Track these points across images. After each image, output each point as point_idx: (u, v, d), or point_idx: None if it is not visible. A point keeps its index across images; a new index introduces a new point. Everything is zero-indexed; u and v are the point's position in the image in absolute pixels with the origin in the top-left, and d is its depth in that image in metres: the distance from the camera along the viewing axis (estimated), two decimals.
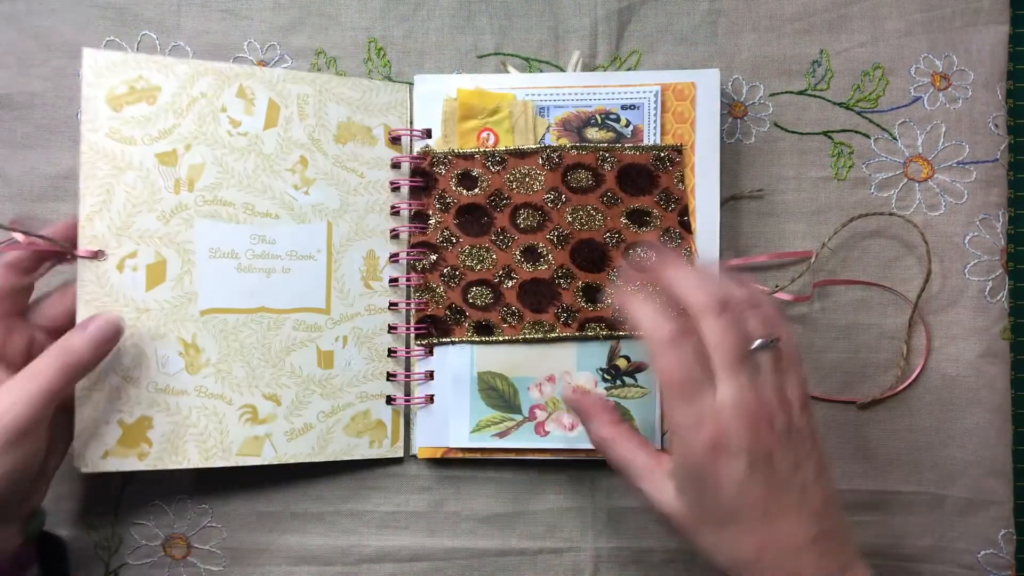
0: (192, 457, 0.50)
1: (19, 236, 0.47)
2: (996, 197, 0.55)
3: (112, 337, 0.46)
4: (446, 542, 0.55)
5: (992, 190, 0.55)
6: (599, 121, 0.53)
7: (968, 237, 0.55)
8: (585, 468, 0.55)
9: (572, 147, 0.53)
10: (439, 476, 0.55)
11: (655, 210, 0.53)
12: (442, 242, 0.53)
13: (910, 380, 0.54)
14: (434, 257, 0.53)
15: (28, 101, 0.55)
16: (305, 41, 0.55)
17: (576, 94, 0.53)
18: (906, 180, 0.55)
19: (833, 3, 0.55)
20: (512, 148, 0.53)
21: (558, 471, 0.55)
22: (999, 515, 0.54)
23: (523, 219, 0.53)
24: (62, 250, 0.48)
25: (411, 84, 0.55)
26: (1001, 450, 0.54)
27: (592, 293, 0.52)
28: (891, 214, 0.54)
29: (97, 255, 0.49)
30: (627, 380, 0.53)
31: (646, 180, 0.53)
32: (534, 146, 0.53)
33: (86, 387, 0.48)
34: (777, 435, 0.41)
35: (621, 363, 0.53)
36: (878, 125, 0.55)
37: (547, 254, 0.53)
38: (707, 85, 0.53)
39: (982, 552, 0.54)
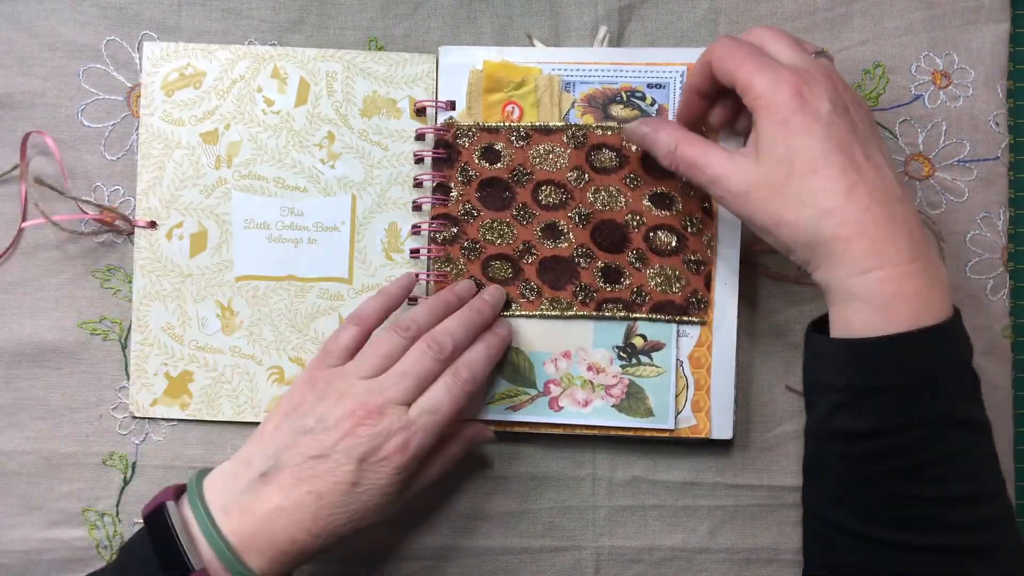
0: (226, 411, 0.54)
1: (91, 209, 0.54)
2: (997, 195, 0.55)
3: None
4: (447, 540, 0.55)
5: (993, 188, 0.55)
6: (624, 99, 0.53)
7: (969, 235, 0.55)
8: (599, 447, 0.55)
9: (597, 126, 0.53)
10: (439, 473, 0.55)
11: (677, 194, 0.52)
12: (463, 215, 0.53)
13: None
14: (455, 230, 0.53)
15: (28, 101, 0.55)
16: (305, 40, 0.55)
17: (602, 71, 0.53)
18: (907, 178, 0.55)
19: (834, 1, 0.55)
20: (537, 124, 0.53)
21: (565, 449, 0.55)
22: None
23: (545, 196, 0.53)
24: (122, 220, 0.54)
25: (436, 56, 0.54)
26: (1002, 449, 0.54)
27: (611, 274, 0.52)
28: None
29: (151, 225, 0.53)
30: (643, 359, 0.53)
31: None
32: (559, 123, 0.53)
33: (139, 341, 0.54)
34: (851, 96, 0.43)
35: (637, 341, 0.53)
36: (879, 123, 0.55)
37: (568, 232, 0.52)
38: None
39: None
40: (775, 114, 0.42)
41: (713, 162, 0.44)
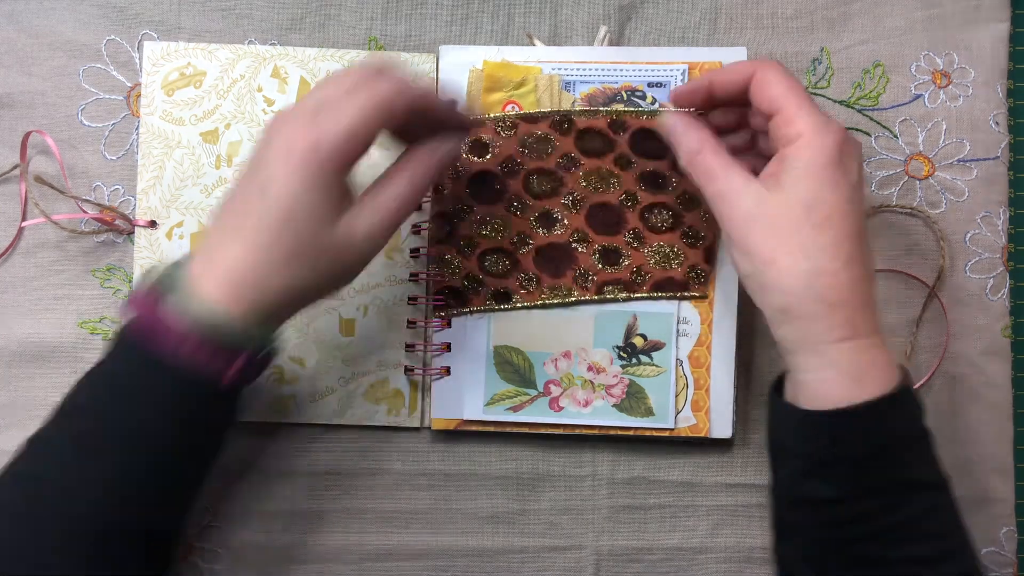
0: None
1: (92, 208, 0.54)
2: (997, 195, 0.55)
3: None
4: (447, 540, 0.55)
5: (993, 188, 0.55)
6: (625, 98, 0.53)
7: (969, 235, 0.55)
8: (599, 447, 0.55)
9: (583, 111, 0.52)
10: (440, 473, 0.55)
11: (669, 173, 0.52)
12: (455, 211, 0.53)
13: (928, 376, 0.54)
14: (448, 228, 0.53)
15: (28, 101, 0.55)
16: (305, 40, 0.55)
17: (602, 70, 0.53)
18: (907, 178, 0.55)
19: (834, 1, 0.55)
20: (523, 112, 0.53)
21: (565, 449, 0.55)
22: (1001, 513, 0.54)
23: (537, 185, 0.53)
24: (122, 220, 0.54)
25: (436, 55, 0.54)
26: (1003, 448, 0.54)
27: (609, 255, 0.52)
28: (912, 209, 0.55)
29: (151, 225, 0.53)
30: (643, 358, 0.53)
31: (661, 144, 0.51)
32: (545, 111, 0.53)
33: None
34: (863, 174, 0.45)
35: (638, 341, 0.53)
36: (879, 123, 0.55)
37: (562, 218, 0.52)
38: None
39: (984, 550, 0.54)
40: (812, 157, 0.42)
41: (732, 177, 0.44)
